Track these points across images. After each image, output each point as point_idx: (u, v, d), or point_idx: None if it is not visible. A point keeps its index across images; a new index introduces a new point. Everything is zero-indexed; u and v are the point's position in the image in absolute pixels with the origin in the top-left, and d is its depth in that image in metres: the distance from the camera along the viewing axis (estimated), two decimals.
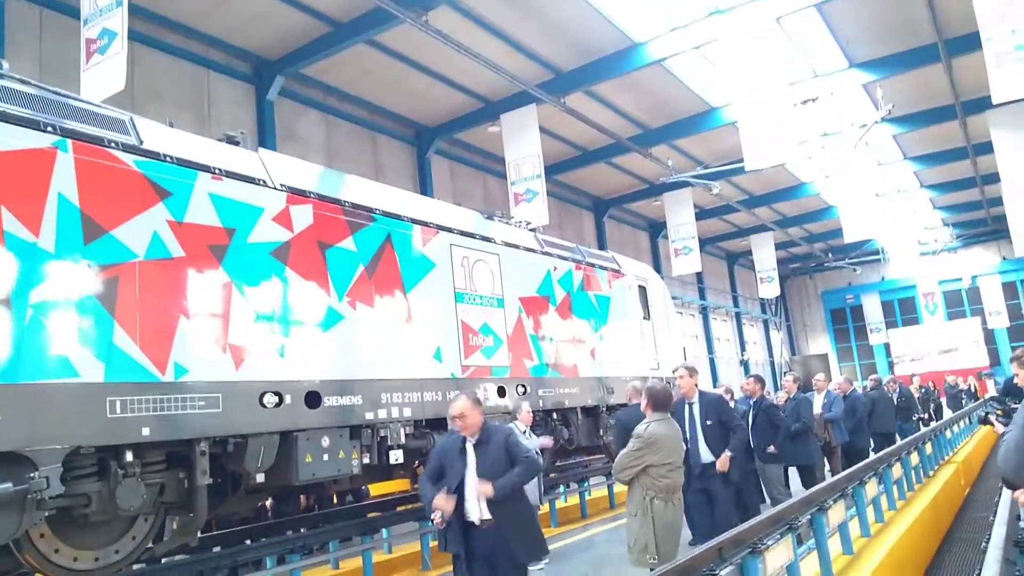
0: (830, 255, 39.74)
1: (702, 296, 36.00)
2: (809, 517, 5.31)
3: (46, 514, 5.58)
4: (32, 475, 5.25)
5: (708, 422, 7.22)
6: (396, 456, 8.36)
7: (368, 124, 18.78)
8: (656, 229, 31.78)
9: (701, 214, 28.16)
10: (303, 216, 7.71)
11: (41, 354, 5.46)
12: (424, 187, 19.61)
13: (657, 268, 27.71)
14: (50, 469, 5.35)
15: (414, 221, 9.22)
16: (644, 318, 14.49)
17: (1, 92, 5.64)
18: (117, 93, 9.49)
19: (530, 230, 12.79)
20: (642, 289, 14.72)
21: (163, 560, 7.38)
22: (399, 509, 10.49)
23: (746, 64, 14.02)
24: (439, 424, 9.06)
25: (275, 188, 7.51)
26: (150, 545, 6.80)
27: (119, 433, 5.83)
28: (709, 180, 23.30)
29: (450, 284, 9.58)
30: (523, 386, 10.51)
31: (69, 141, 5.87)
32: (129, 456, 6.00)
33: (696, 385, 7.45)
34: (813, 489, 6.19)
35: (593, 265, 13.28)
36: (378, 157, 18.98)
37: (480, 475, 4.70)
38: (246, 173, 7.28)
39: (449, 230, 9.81)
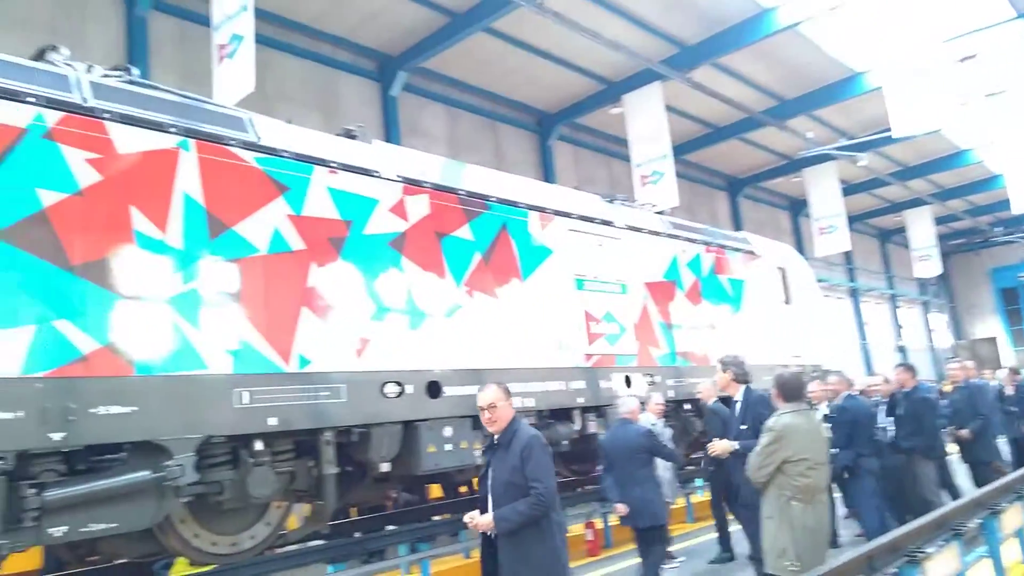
0: (999, 229, 35.94)
1: (851, 278, 33.63)
2: (979, 521, 4.63)
3: (184, 501, 5.82)
4: (167, 463, 5.48)
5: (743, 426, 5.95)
6: None
7: (490, 114, 18.79)
8: (797, 207, 29.95)
9: (847, 189, 26.17)
10: (419, 206, 7.69)
11: (172, 347, 5.68)
12: (547, 174, 19.41)
13: (800, 249, 26.10)
14: (184, 458, 5.57)
15: (531, 207, 9.02)
16: (784, 302, 13.59)
17: (128, 97, 5.90)
18: (249, 96, 9.91)
19: (657, 213, 12.26)
20: (781, 271, 13.81)
21: (297, 546, 7.59)
22: None
23: (890, 22, 12.74)
24: (564, 415, 8.84)
25: (390, 180, 7.52)
26: (283, 531, 7.03)
27: (247, 423, 6.00)
28: (854, 152, 21.60)
29: (570, 270, 9.30)
30: (651, 375, 10.07)
31: (192, 140, 6.08)
32: (259, 445, 6.18)
33: (736, 381, 6.08)
34: (984, 490, 5.43)
35: (724, 247, 12.56)
36: (500, 146, 18.97)
37: (492, 487, 3.99)
38: (362, 166, 7.33)
39: (567, 215, 9.53)
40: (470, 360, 7.79)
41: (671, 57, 17.10)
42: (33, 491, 4.91)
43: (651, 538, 6.27)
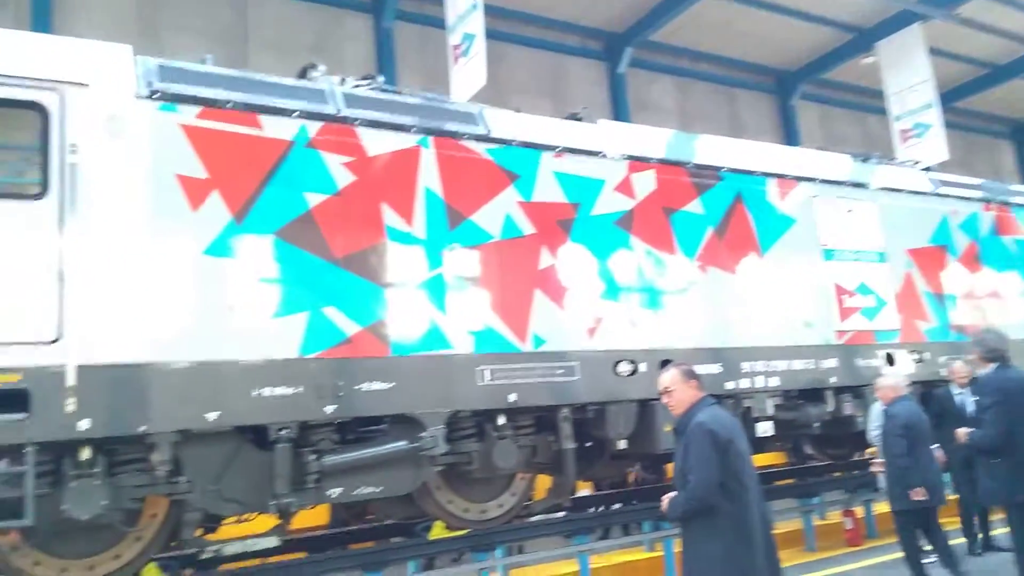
0: None
1: None
2: None
3: (438, 469, 6.34)
4: (422, 435, 6.01)
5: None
6: (764, 428, 7.83)
7: (723, 80, 17.95)
8: None
9: None
10: (645, 183, 7.58)
11: (422, 330, 6.19)
12: (790, 137, 18.12)
13: None
14: (436, 430, 6.07)
15: (768, 174, 8.47)
16: None
17: (374, 104, 6.48)
18: (483, 90, 10.44)
19: (923, 170, 10.91)
20: None
21: (540, 517, 7.91)
22: (777, 484, 9.84)
23: None
24: (815, 395, 8.25)
25: (615, 158, 7.50)
26: (528, 502, 7.38)
27: (490, 399, 6.39)
28: None
29: (815, 240, 8.61)
30: (918, 352, 9.03)
31: (430, 138, 6.54)
32: (501, 420, 6.54)
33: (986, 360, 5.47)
34: None
35: (1009, 204, 10.85)
36: (736, 113, 18.05)
37: (674, 472, 3.92)
38: (586, 147, 7.38)
39: (811, 180, 8.81)
40: (705, 339, 7.55)
41: None
42: (313, 457, 5.65)
43: (934, 520, 6.01)
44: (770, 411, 7.83)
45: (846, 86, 19.56)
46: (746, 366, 7.70)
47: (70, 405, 4.76)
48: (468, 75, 10.05)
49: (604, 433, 6.99)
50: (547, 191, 7.03)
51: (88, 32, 9.97)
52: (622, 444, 7.12)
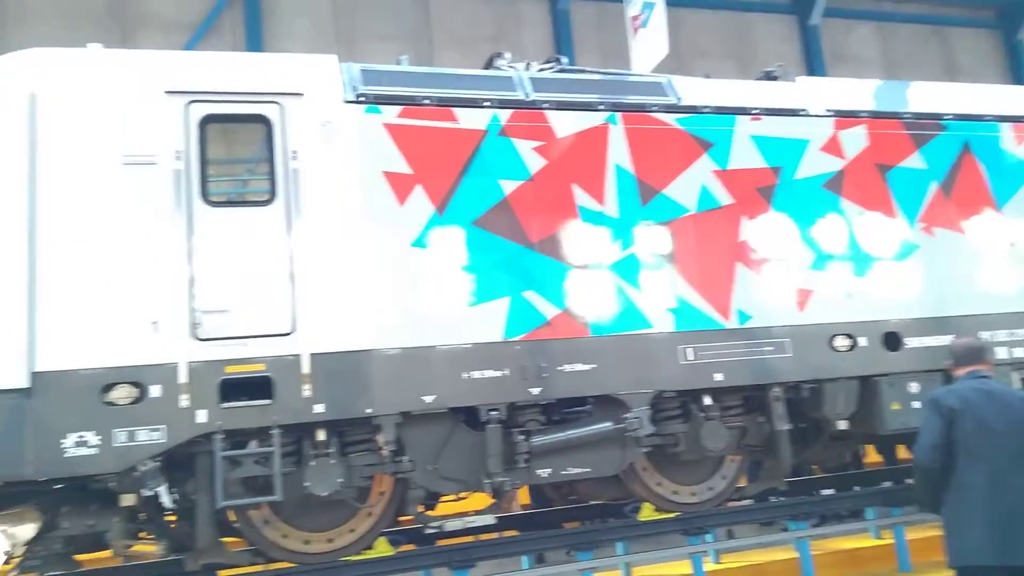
0: None
1: None
2: None
3: (644, 451, 6.26)
4: (626, 416, 5.96)
5: None
6: None
7: (933, 19, 16.12)
8: None
9: None
10: (855, 140, 6.96)
11: (619, 309, 6.12)
12: (1018, 77, 15.92)
13: None
14: (640, 411, 6.00)
15: (1002, 119, 7.47)
16: None
17: (560, 85, 6.47)
18: (664, 60, 10.14)
19: None
20: None
21: (750, 501, 7.58)
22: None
23: None
24: None
25: (819, 116, 6.95)
26: (740, 485, 7.10)
27: (694, 378, 6.22)
28: None
29: None
30: None
31: (618, 114, 6.41)
32: (707, 400, 6.34)
33: None
34: None
35: None
36: (950, 56, 16.16)
37: None
38: (785, 107, 6.91)
39: None
40: (935, 307, 6.83)
41: None
42: (522, 437, 5.78)
43: None
44: (1017, 384, 6.94)
45: None
46: (984, 335, 6.87)
47: (306, 391, 5.22)
48: (648, 46, 9.77)
49: (822, 413, 6.55)
50: (744, 157, 6.67)
51: (293, 46, 10.92)
52: (842, 425, 6.63)
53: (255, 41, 12.10)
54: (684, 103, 6.65)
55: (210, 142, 5.45)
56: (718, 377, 6.22)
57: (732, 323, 6.35)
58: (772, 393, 6.42)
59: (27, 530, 4.96)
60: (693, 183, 6.48)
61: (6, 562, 4.91)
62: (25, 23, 11.42)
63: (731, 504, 7.21)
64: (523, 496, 8.89)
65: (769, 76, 7.56)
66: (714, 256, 6.43)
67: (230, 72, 5.66)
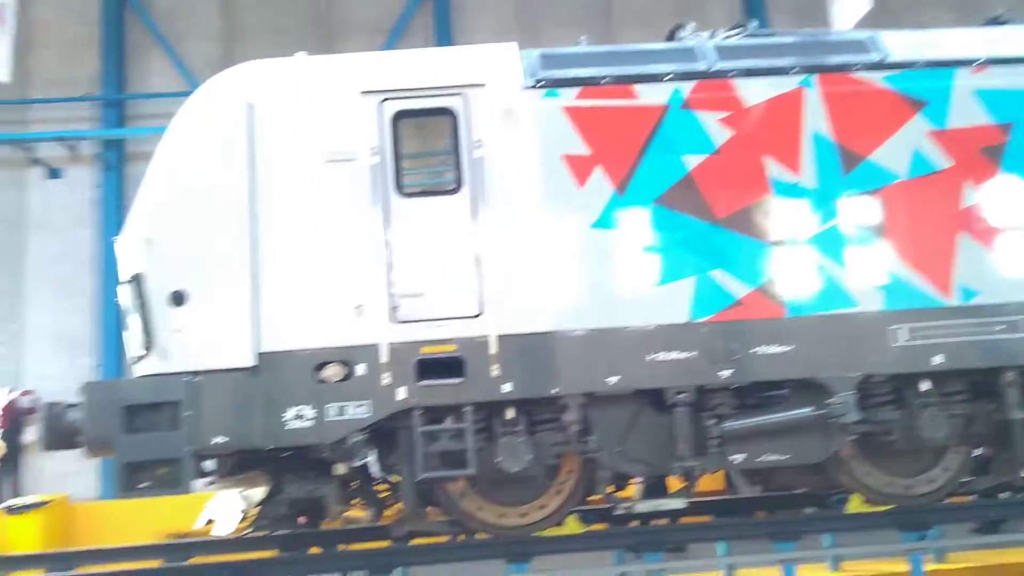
0: None
1: None
2: None
3: (851, 439, 5.82)
4: (829, 401, 5.60)
5: None
6: None
7: None
8: None
9: None
10: None
11: (819, 287, 5.74)
12: None
13: None
14: (846, 396, 5.60)
15: None
16: None
17: (747, 51, 6.12)
18: (870, 13, 9.32)
19: None
20: None
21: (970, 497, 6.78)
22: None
23: None
24: None
25: None
26: (966, 479, 6.38)
27: (908, 361, 5.72)
28: None
29: None
30: None
31: (813, 76, 5.96)
32: (925, 385, 5.79)
33: None
34: None
35: None
36: None
37: None
38: (1016, 55, 6.05)
39: None
40: None
41: None
42: (713, 421, 5.61)
43: None
44: None
45: None
46: None
47: (495, 370, 5.43)
48: (850, 1, 8.96)
49: None
50: (966, 114, 5.98)
51: (480, 40, 11.27)
52: None
53: (444, 38, 12.81)
54: (892, 59, 6.05)
55: (402, 136, 5.79)
56: (937, 360, 5.68)
57: (954, 300, 5.76)
58: (1005, 378, 5.75)
59: (258, 493, 5.61)
60: (904, 147, 5.92)
61: (243, 520, 5.58)
62: (246, 40, 12.94)
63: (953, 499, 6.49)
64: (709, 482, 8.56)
65: (996, 21, 6.70)
66: (930, 226, 5.87)
67: (417, 68, 5.97)
